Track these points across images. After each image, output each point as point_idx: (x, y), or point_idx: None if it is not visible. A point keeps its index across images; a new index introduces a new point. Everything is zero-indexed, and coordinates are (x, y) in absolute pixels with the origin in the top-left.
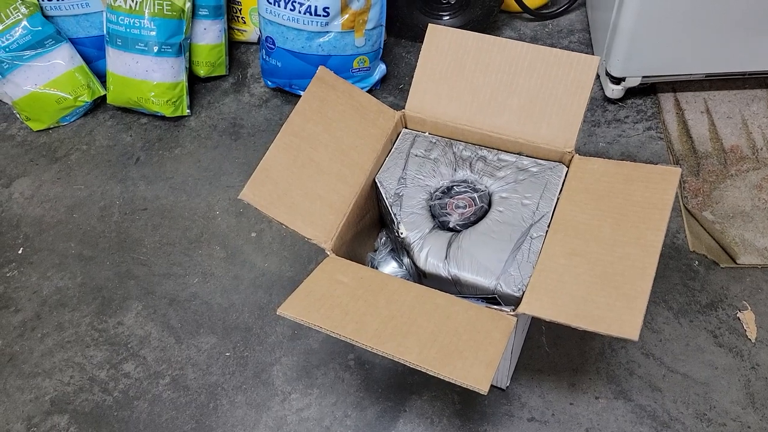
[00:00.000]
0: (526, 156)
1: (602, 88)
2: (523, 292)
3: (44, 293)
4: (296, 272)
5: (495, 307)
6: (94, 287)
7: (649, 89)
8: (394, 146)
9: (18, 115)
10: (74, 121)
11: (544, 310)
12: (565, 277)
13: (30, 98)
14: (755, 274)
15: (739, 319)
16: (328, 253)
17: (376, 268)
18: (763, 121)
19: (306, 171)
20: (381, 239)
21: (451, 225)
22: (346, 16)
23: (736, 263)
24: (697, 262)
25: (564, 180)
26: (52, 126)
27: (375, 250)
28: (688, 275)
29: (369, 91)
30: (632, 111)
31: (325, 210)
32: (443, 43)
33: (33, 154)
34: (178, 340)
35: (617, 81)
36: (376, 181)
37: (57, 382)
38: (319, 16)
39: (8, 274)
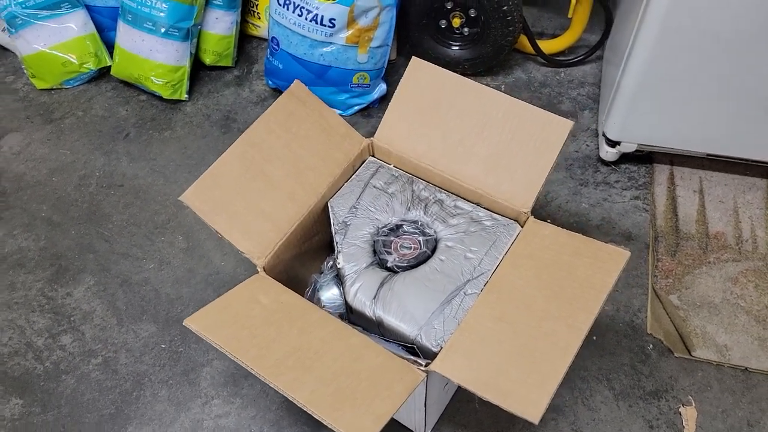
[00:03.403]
0: (483, 208)
1: (598, 148)
2: (441, 349)
3: (6, 251)
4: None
5: (412, 358)
6: (53, 254)
7: (645, 157)
8: (356, 173)
9: (25, 71)
10: (77, 86)
11: (454, 371)
12: (486, 341)
13: (38, 57)
14: (708, 370)
15: (680, 413)
16: (258, 270)
17: (318, 291)
18: (756, 212)
19: (255, 184)
20: (328, 263)
21: (389, 264)
22: (352, 30)
23: (691, 355)
24: (651, 346)
25: (514, 240)
26: (55, 87)
27: (321, 273)
28: (638, 357)
29: (365, 109)
30: (624, 176)
31: (267, 226)
32: (424, 78)
33: (31, 111)
34: (119, 322)
35: (613, 144)
36: (329, 205)
37: None
38: (325, 26)
39: None
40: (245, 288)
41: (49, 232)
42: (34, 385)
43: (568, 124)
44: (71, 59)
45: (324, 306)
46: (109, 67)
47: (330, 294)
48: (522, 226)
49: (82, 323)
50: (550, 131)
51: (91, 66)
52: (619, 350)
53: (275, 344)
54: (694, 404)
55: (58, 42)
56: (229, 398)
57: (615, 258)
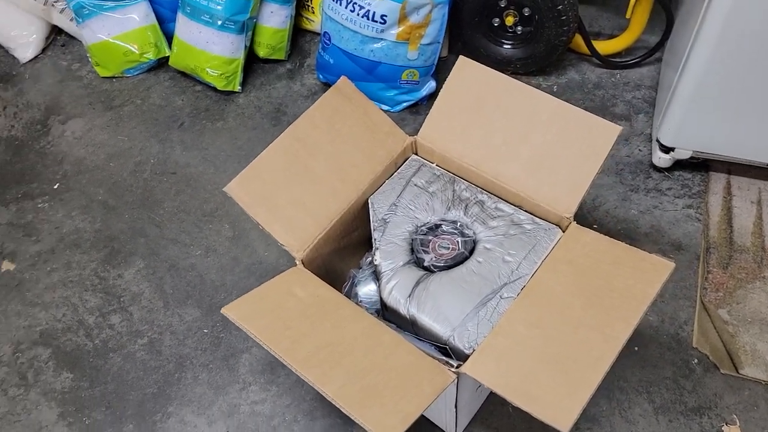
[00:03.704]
0: (525, 211)
1: (651, 153)
2: (473, 351)
3: (64, 230)
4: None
5: (443, 358)
6: (108, 236)
7: (700, 165)
8: (398, 171)
9: (89, 59)
10: (137, 75)
11: (485, 375)
12: (519, 346)
13: (101, 46)
14: (756, 389)
15: None
16: (297, 263)
17: (355, 286)
18: None
19: (298, 177)
20: (367, 259)
21: (425, 264)
22: (403, 27)
23: (738, 372)
24: (696, 360)
25: (554, 245)
26: (116, 75)
27: (359, 268)
28: (682, 372)
29: (413, 106)
30: (677, 184)
31: (307, 220)
32: (470, 77)
33: (93, 98)
34: (166, 305)
35: (667, 150)
36: (369, 201)
37: (50, 316)
38: (376, 22)
39: (39, 206)
40: (283, 280)
41: (104, 215)
42: (83, 361)
43: (616, 129)
44: (133, 49)
45: (361, 301)
46: (168, 57)
47: (367, 289)
48: (564, 232)
49: (130, 304)
50: (598, 135)
51: (150, 56)
52: (661, 363)
53: (307, 338)
54: (738, 423)
55: (121, 32)
56: (265, 385)
57: (658, 269)
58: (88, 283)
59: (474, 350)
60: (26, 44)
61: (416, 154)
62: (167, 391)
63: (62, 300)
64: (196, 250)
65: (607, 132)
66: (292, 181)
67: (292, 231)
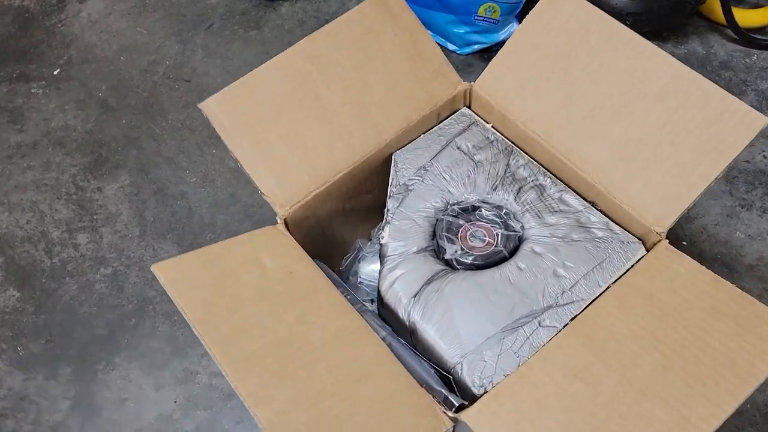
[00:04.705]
0: (599, 211)
1: None
2: (484, 393)
3: (52, 125)
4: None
5: (442, 391)
6: (98, 140)
7: None
8: (440, 125)
9: None
10: None
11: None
12: (549, 403)
13: None
14: None
15: None
16: (278, 220)
17: (359, 261)
18: None
19: (303, 108)
20: (379, 231)
21: (447, 256)
22: None
23: None
24: None
25: (631, 267)
26: None
27: (369, 240)
28: None
29: (486, 50)
30: None
31: (304, 167)
32: (561, 14)
33: None
34: (142, 234)
35: None
36: (393, 158)
37: (13, 220)
38: None
39: (33, 91)
40: (249, 241)
41: (100, 116)
42: (35, 280)
43: (761, 120)
44: None
45: (361, 282)
46: None
47: (372, 269)
48: (648, 251)
49: (103, 225)
50: (729, 125)
51: None
52: None
53: (256, 329)
54: None
55: None
56: None
57: None
58: (63, 191)
59: (486, 391)
60: None
61: (468, 107)
62: (118, 338)
63: (30, 204)
64: (192, 176)
65: (746, 123)
66: (293, 111)
67: (281, 177)
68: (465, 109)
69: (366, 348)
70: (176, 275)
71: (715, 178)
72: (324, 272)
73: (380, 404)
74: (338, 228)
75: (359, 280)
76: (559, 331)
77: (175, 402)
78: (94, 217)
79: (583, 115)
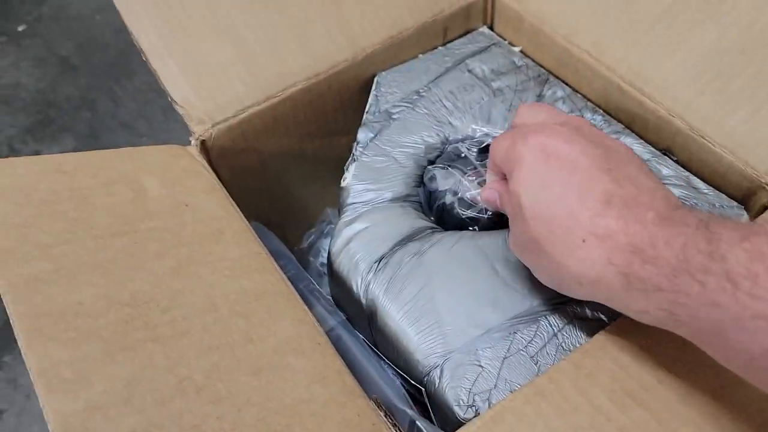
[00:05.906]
0: (674, 160)
1: None
2: (476, 414)
3: (2, 81)
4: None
5: (401, 408)
6: (48, 100)
7: None
8: (448, 44)
9: None
10: None
11: None
12: None
13: None
14: None
15: None
16: (192, 141)
17: (324, 237)
18: None
19: None
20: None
21: (447, 201)
22: None
23: None
24: None
25: None
26: None
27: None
28: None
29: None
30: None
31: (236, 68)
32: None
33: None
34: None
35: None
36: (376, 80)
37: None
38: None
39: None
40: (138, 157)
41: (57, 75)
42: None
43: None
44: None
45: (324, 265)
46: None
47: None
48: (754, 218)
49: None
50: None
51: None
52: None
53: (98, 273)
54: None
55: None
56: None
57: None
58: None
59: (477, 414)
60: None
61: (490, 27)
62: None
63: None
64: (149, 144)
65: None
66: None
67: (205, 81)
68: (484, 28)
69: (282, 325)
70: (3, 181)
71: None
72: (261, 237)
73: (285, 417)
74: (296, 183)
75: (322, 261)
76: (607, 324)
77: None
78: None
79: (654, 20)
